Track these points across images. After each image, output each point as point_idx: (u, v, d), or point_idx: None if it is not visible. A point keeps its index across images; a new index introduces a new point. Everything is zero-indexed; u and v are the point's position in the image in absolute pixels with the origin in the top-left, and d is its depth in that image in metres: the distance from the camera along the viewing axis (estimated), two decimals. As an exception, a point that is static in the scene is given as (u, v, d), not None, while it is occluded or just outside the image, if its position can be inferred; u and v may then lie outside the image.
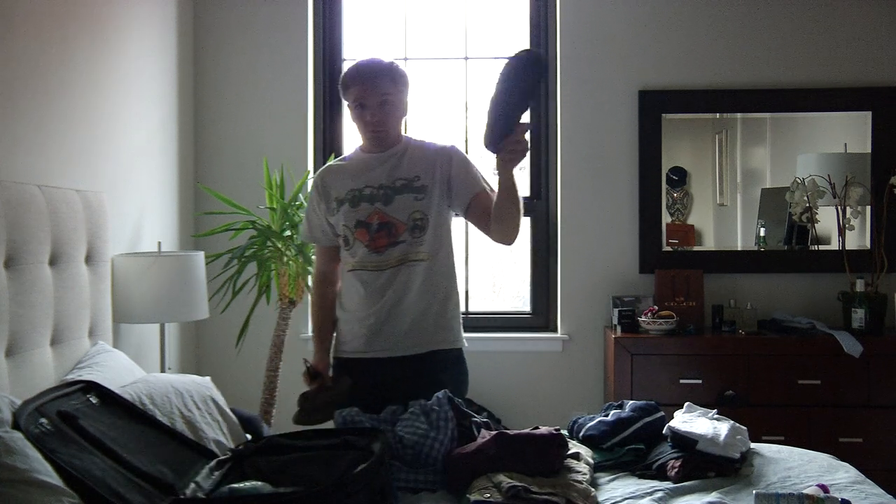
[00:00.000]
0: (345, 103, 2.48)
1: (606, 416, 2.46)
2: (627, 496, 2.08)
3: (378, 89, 2.37)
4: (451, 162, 2.44)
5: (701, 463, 2.20)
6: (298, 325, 3.74)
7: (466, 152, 3.92)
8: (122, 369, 2.50)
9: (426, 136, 2.58)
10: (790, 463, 2.28)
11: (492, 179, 2.43)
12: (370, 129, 2.41)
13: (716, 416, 2.44)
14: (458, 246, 3.91)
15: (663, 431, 2.35)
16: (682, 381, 3.41)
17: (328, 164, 2.61)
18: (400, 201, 2.40)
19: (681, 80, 3.80)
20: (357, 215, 2.42)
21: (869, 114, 3.76)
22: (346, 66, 3.97)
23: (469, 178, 2.45)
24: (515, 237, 2.43)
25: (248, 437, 2.41)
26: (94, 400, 2.00)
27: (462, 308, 3.93)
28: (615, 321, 3.59)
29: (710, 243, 3.94)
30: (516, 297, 4.17)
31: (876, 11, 3.76)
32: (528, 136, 2.15)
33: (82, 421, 1.85)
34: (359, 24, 4.04)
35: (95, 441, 1.82)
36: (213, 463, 2.01)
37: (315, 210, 2.54)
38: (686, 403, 2.54)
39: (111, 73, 3.03)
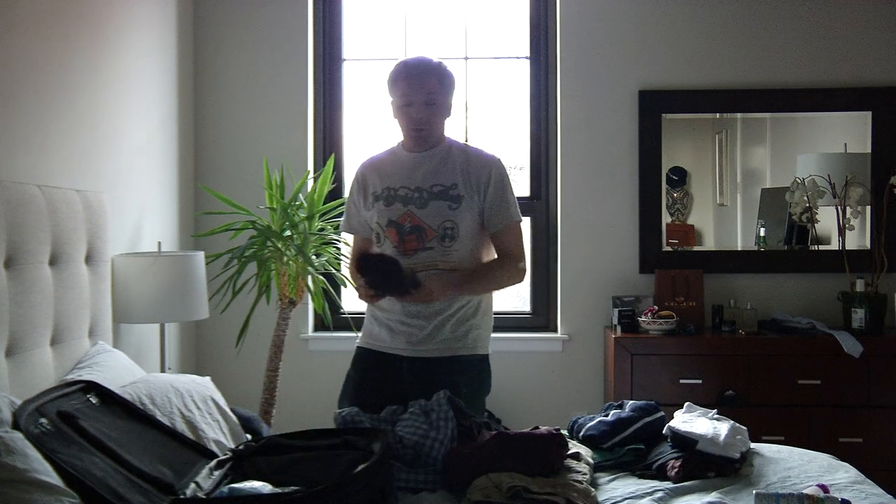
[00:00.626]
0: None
1: (606, 416, 2.46)
2: (627, 496, 2.08)
3: (425, 87, 2.37)
4: (489, 183, 2.42)
5: (701, 463, 2.20)
6: (298, 325, 3.74)
7: (466, 152, 3.96)
8: (122, 369, 2.50)
9: (472, 142, 2.58)
10: (790, 463, 2.28)
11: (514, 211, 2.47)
12: (414, 126, 2.40)
13: (716, 416, 2.44)
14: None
15: (663, 431, 2.35)
16: (682, 381, 3.41)
17: (371, 156, 2.58)
18: (434, 207, 2.38)
19: (681, 80, 3.80)
20: (389, 214, 2.41)
21: (869, 114, 3.76)
22: (346, 67, 4.01)
23: (499, 211, 2.42)
24: (513, 285, 2.52)
25: (248, 437, 2.41)
26: (94, 400, 2.00)
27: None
28: (615, 321, 3.59)
29: (710, 243, 3.94)
30: (516, 297, 4.17)
31: (876, 11, 3.76)
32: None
33: (82, 421, 1.85)
34: (359, 24, 4.04)
35: (95, 441, 1.82)
36: (213, 463, 2.01)
37: (354, 202, 2.55)
38: (686, 403, 2.54)
39: (111, 73, 3.03)
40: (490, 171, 2.43)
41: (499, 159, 2.48)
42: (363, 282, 2.29)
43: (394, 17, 4.03)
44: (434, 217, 2.37)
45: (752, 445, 2.39)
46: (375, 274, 2.26)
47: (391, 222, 2.40)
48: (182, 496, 1.81)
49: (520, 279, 2.50)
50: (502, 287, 2.51)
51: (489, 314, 2.51)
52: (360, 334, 2.57)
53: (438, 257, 2.37)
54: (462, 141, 2.54)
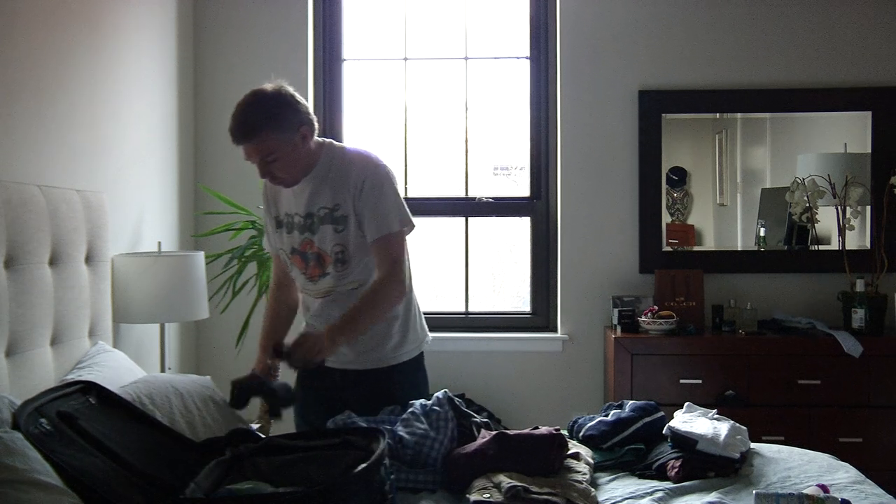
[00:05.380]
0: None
1: (606, 416, 2.46)
2: (627, 496, 2.08)
3: (258, 151, 2.16)
4: (361, 191, 2.23)
5: (701, 463, 2.20)
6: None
7: (466, 153, 3.97)
8: (122, 369, 2.50)
9: (352, 143, 2.31)
10: (790, 463, 2.28)
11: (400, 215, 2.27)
12: (269, 180, 2.26)
13: (716, 416, 2.44)
14: (455, 247, 3.95)
15: (663, 431, 2.35)
16: (682, 381, 3.41)
17: None
18: (323, 232, 2.26)
19: (681, 80, 3.80)
20: (292, 242, 2.33)
21: (869, 114, 3.76)
22: (346, 67, 4.00)
23: (372, 221, 2.24)
24: (398, 303, 2.32)
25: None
26: (93, 400, 1.99)
27: (462, 308, 3.98)
28: (615, 321, 3.59)
29: (710, 243, 3.94)
30: (516, 297, 4.17)
31: (876, 11, 3.76)
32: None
33: (82, 421, 1.85)
34: (359, 24, 4.04)
35: (95, 441, 1.82)
36: (212, 463, 2.01)
37: (267, 220, 2.45)
38: (686, 403, 2.54)
39: (111, 73, 3.03)
40: (364, 178, 2.23)
41: (378, 164, 2.27)
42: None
43: (394, 17, 4.03)
44: (326, 242, 2.27)
45: (752, 445, 2.39)
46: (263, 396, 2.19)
47: (294, 250, 2.33)
48: (182, 496, 1.80)
49: (401, 299, 2.29)
50: (391, 309, 2.29)
51: (410, 318, 2.39)
52: None
53: (336, 282, 2.28)
54: (344, 145, 2.35)
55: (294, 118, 2.20)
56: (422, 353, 2.45)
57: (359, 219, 2.25)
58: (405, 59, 4.01)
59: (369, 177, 2.24)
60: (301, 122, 2.21)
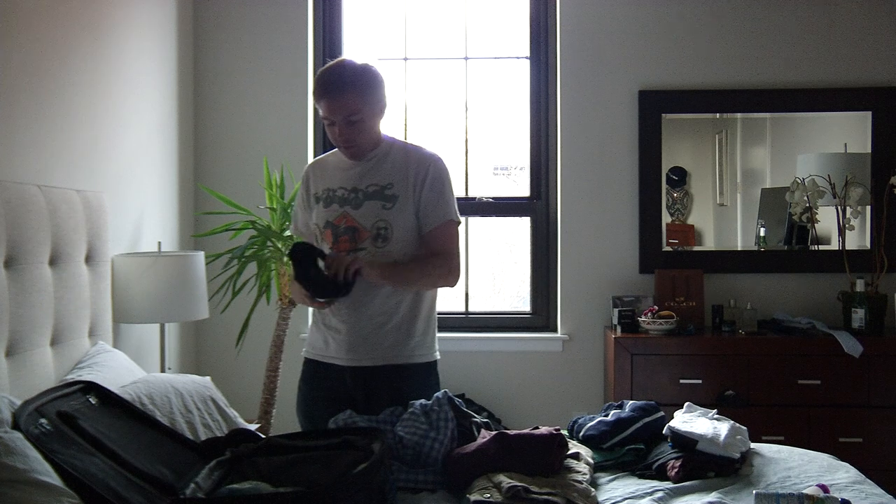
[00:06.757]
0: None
1: (606, 416, 2.46)
2: (627, 496, 2.08)
3: (345, 107, 2.23)
4: (425, 180, 2.31)
5: (701, 463, 2.20)
6: (298, 325, 3.74)
7: (466, 153, 3.97)
8: (122, 369, 2.50)
9: (415, 140, 2.44)
10: (790, 463, 2.28)
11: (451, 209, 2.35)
12: (340, 145, 2.32)
13: (716, 416, 2.44)
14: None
15: (663, 431, 2.35)
16: (682, 381, 3.41)
17: (318, 156, 2.56)
18: (368, 207, 2.29)
19: (681, 80, 3.80)
20: (327, 215, 2.35)
21: (869, 114, 3.76)
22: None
23: (434, 209, 2.31)
24: (444, 286, 2.39)
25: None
26: (93, 400, 2.00)
27: (461, 308, 3.98)
28: (615, 321, 3.59)
29: (710, 243, 3.94)
30: (516, 297, 4.17)
31: (876, 11, 3.76)
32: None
33: (82, 421, 1.85)
34: (359, 24, 4.05)
35: (95, 441, 1.82)
36: (213, 463, 2.01)
37: (300, 203, 2.49)
38: (686, 403, 2.54)
39: (111, 73, 3.03)
40: (428, 167, 2.32)
41: (439, 157, 2.37)
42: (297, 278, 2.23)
43: (394, 17, 4.03)
44: (368, 217, 2.29)
45: (752, 445, 2.39)
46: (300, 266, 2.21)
47: (328, 223, 2.34)
48: (182, 496, 1.80)
49: (450, 281, 2.35)
50: (431, 283, 2.35)
51: (431, 320, 2.39)
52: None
53: (371, 259, 2.27)
54: (402, 139, 2.45)
55: (381, 90, 2.31)
56: (436, 362, 2.43)
57: (417, 207, 2.30)
58: (405, 59, 4.01)
59: (434, 168, 2.33)
60: (384, 96, 2.33)
